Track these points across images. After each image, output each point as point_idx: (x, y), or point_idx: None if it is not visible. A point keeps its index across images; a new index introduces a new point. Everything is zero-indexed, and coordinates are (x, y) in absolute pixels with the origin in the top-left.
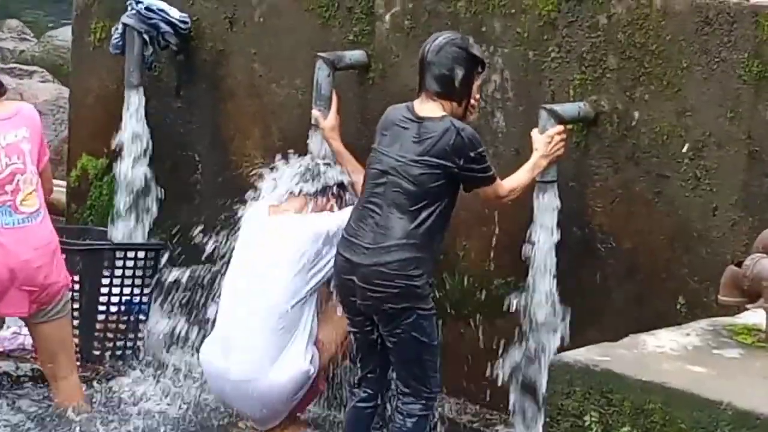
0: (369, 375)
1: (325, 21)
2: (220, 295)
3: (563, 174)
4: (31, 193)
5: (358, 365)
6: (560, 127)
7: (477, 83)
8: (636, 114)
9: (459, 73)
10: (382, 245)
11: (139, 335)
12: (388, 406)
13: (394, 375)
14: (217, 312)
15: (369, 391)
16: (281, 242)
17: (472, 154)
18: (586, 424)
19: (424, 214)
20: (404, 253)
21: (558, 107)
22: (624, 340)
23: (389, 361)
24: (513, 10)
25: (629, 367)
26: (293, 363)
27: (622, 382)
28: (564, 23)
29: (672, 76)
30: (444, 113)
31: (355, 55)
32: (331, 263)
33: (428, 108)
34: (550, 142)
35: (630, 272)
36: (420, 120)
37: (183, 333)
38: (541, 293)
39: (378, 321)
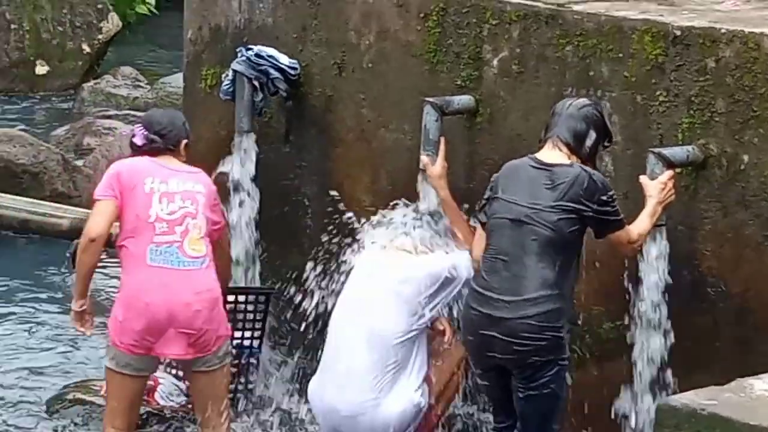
0: (504, 425)
1: (433, 66)
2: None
3: (672, 218)
4: (200, 238)
5: (492, 417)
6: (671, 173)
7: (599, 154)
8: (745, 157)
9: (592, 134)
10: (528, 297)
11: (251, 378)
12: None
13: (519, 426)
14: (324, 349)
15: None
16: (397, 281)
17: (604, 198)
18: None
19: (564, 262)
20: (550, 304)
21: (666, 151)
22: (731, 384)
23: None
24: (620, 55)
25: (736, 411)
26: (405, 397)
27: (730, 427)
28: (672, 67)
29: None
30: (572, 161)
31: (463, 100)
32: (441, 303)
33: (555, 156)
34: (663, 189)
35: (739, 316)
36: (549, 167)
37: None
38: (652, 338)
39: (518, 374)
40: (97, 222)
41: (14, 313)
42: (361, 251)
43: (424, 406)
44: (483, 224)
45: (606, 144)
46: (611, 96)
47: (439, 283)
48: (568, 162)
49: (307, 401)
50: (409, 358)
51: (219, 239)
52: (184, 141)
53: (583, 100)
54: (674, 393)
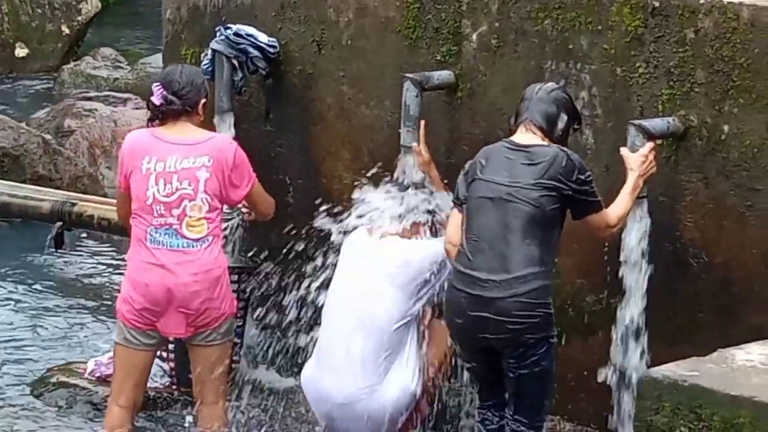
0: (491, 403)
1: (412, 42)
2: (317, 318)
3: (653, 189)
4: (199, 219)
5: (478, 396)
6: (651, 144)
7: (570, 137)
8: (725, 128)
9: (563, 116)
10: (517, 275)
11: (234, 358)
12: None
13: (511, 410)
14: (317, 336)
15: (494, 417)
16: (391, 266)
17: (582, 177)
18: None
19: (546, 239)
20: (539, 281)
21: (647, 123)
22: (713, 354)
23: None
24: (600, 27)
25: (718, 382)
26: (399, 383)
27: (711, 397)
28: (651, 38)
29: (761, 88)
30: (548, 142)
31: (443, 75)
32: (434, 288)
33: (530, 138)
34: (644, 161)
35: (722, 286)
36: (526, 148)
37: (277, 355)
38: (632, 310)
39: (510, 353)
40: (119, 208)
41: None
42: (346, 232)
43: (418, 394)
44: (458, 206)
45: (576, 126)
46: (591, 68)
47: (437, 267)
48: (544, 143)
49: (299, 385)
50: (404, 345)
51: (253, 202)
52: (203, 100)
53: (551, 84)
54: (656, 364)
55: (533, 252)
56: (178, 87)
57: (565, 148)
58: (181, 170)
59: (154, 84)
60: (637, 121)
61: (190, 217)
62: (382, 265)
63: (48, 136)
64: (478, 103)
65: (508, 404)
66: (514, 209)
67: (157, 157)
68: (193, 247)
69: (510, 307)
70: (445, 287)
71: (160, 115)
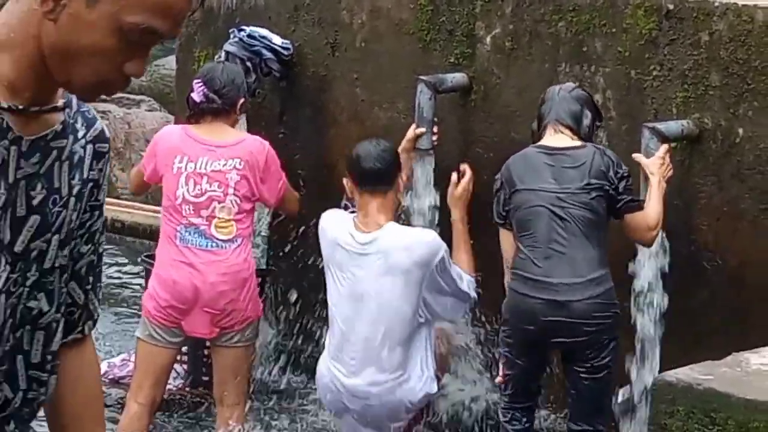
0: (523, 406)
1: (426, 44)
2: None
3: (668, 192)
4: (228, 221)
5: (507, 398)
6: (666, 147)
7: (594, 135)
8: (740, 131)
9: (588, 113)
10: (591, 278)
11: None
12: None
13: (574, 415)
14: (329, 330)
15: (522, 418)
16: (404, 256)
17: (620, 172)
18: None
19: (602, 241)
20: (608, 283)
21: (661, 126)
22: (727, 358)
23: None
24: (614, 30)
25: (732, 386)
26: (419, 375)
27: (726, 401)
28: (665, 41)
29: None
30: (582, 142)
31: (457, 77)
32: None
33: (562, 139)
34: (662, 164)
35: (736, 290)
36: (562, 151)
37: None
38: (647, 311)
39: (582, 356)
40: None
41: None
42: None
43: (434, 390)
44: (503, 224)
45: (598, 123)
46: (605, 71)
47: (440, 255)
48: (578, 144)
49: (312, 381)
50: (420, 340)
51: (284, 200)
52: (241, 100)
53: (570, 84)
54: (670, 368)
55: (596, 255)
56: (219, 85)
57: (599, 145)
58: (210, 172)
59: (195, 81)
60: (651, 124)
61: (219, 218)
62: (391, 254)
63: None
64: (491, 106)
65: (572, 413)
66: (570, 215)
67: (188, 156)
68: (221, 247)
69: (588, 309)
70: (508, 297)
71: (199, 113)
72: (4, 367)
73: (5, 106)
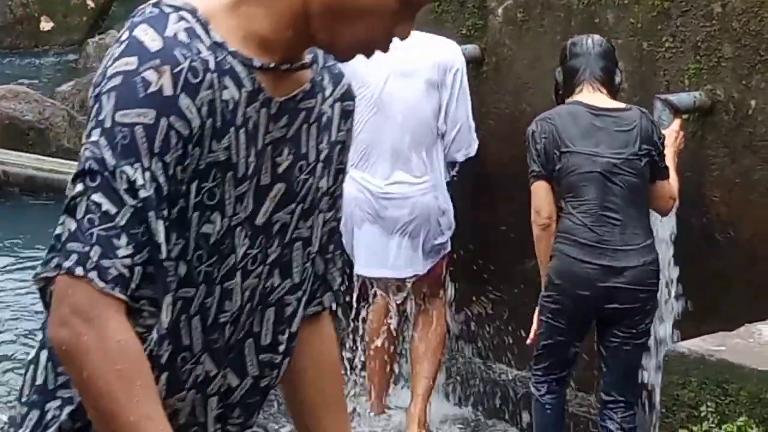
0: (558, 376)
1: (438, 15)
2: None
3: (680, 164)
4: None
5: (542, 371)
6: (680, 121)
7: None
8: (752, 102)
9: (618, 71)
10: (645, 245)
11: None
12: None
13: (607, 385)
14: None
15: (556, 387)
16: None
17: (662, 137)
18: (702, 414)
19: (648, 208)
20: (656, 251)
21: (673, 97)
22: (740, 329)
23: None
24: (626, 1)
25: (745, 357)
26: (443, 187)
27: (738, 372)
28: (678, 12)
29: None
30: (624, 104)
31: (469, 49)
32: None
33: (602, 99)
34: (677, 138)
35: (749, 261)
36: (610, 112)
37: None
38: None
39: (629, 323)
40: None
41: (20, 270)
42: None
43: (447, 248)
44: (543, 178)
45: (621, 80)
46: (617, 43)
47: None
48: (624, 105)
49: None
50: (439, 152)
51: None
52: None
53: (598, 37)
54: (684, 339)
55: (646, 223)
56: None
57: (641, 108)
58: None
59: None
60: (663, 96)
61: None
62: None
63: (73, 110)
64: (503, 77)
65: (606, 382)
66: (623, 181)
67: None
68: None
69: (644, 276)
70: (557, 262)
71: None
72: (232, 354)
73: (258, 64)
